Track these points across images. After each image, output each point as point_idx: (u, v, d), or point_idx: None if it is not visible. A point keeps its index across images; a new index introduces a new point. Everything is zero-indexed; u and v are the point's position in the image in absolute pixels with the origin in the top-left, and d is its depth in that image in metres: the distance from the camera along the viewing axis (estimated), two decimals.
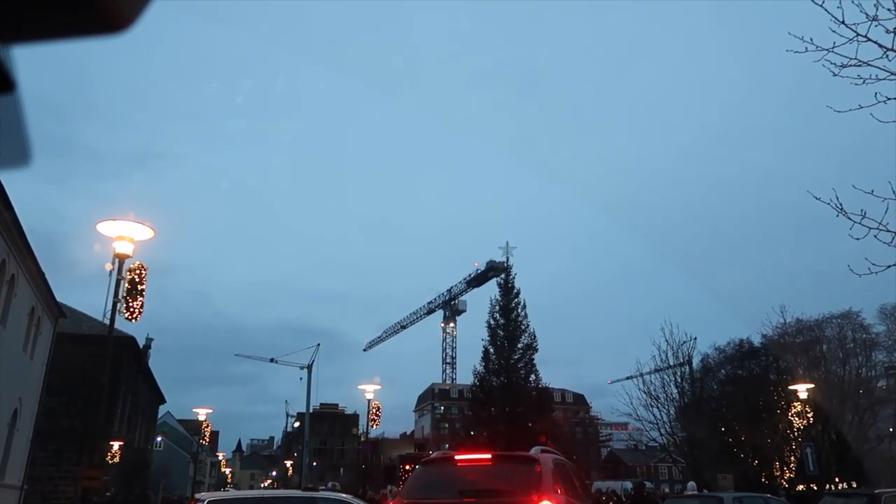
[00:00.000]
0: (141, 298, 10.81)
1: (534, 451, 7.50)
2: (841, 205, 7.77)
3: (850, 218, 7.68)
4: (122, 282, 10.48)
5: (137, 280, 10.76)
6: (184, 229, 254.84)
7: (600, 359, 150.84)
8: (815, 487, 26.58)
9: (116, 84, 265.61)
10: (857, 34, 6.92)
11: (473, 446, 8.99)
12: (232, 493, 14.35)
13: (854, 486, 27.70)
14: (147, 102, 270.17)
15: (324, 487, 13.47)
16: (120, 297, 10.43)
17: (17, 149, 1.15)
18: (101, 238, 10.22)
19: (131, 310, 10.71)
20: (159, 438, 61.73)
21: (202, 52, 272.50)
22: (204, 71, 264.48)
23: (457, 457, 7.44)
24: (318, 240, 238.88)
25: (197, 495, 12.04)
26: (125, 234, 10.26)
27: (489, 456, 7.39)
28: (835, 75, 7.65)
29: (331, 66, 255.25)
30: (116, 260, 10.21)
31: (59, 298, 27.87)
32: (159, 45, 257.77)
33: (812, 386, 23.90)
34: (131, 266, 10.86)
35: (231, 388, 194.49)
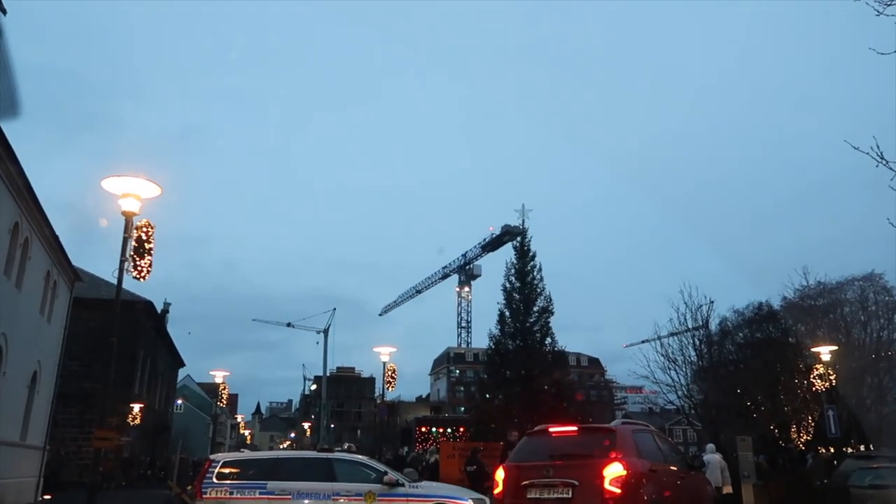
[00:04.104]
0: (149, 257, 10.53)
1: (614, 423, 9.63)
2: (882, 153, 7.29)
3: (891, 168, 7.22)
4: (129, 240, 10.26)
5: (145, 238, 10.50)
6: (216, 200, 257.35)
7: (616, 325, 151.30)
8: (833, 450, 26.35)
9: (151, 61, 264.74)
10: None
11: (558, 422, 11.42)
12: (247, 453, 14.43)
13: (871, 448, 27.46)
14: (181, 80, 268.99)
15: (339, 449, 13.55)
16: (127, 255, 10.22)
17: (5, 99, 1.03)
18: (107, 195, 10.01)
19: (139, 268, 10.46)
20: (179, 401, 62.81)
21: (214, 9, 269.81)
22: (215, 28, 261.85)
23: (550, 429, 9.13)
24: (345, 208, 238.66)
25: (211, 456, 12.07)
26: (131, 191, 10.01)
27: (575, 428, 9.36)
28: (878, 14, 7.13)
29: (348, 29, 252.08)
30: (123, 217, 10.02)
31: (89, 268, 28.16)
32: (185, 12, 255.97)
33: (836, 348, 23.48)
34: (138, 224, 10.60)
35: (256, 354, 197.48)
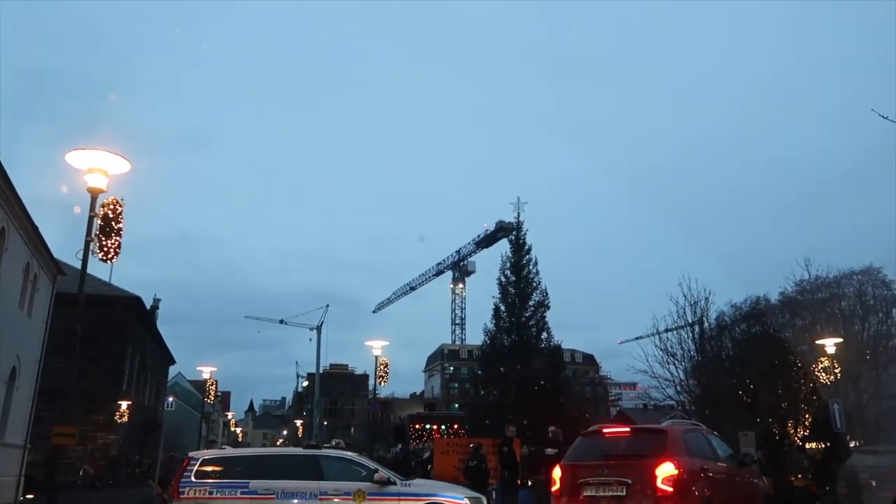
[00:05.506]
0: (117, 238, 9.84)
1: (665, 423, 9.98)
2: None
3: None
4: (95, 219, 9.54)
5: (112, 216, 9.80)
6: (214, 200, 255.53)
7: (611, 323, 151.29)
8: (829, 445, 25.96)
9: (151, 60, 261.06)
10: None
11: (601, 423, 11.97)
12: (228, 450, 13.80)
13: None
14: (181, 80, 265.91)
15: (328, 445, 13.02)
16: (92, 235, 9.50)
17: None
18: (72, 170, 9.29)
19: (105, 249, 9.74)
20: (170, 399, 61.90)
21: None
22: (216, 27, 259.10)
23: (604, 430, 9.65)
24: (342, 207, 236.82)
25: (191, 453, 11.41)
26: (97, 166, 9.30)
27: (628, 429, 9.78)
28: None
29: (348, 29, 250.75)
30: (89, 194, 9.30)
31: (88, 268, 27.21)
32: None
33: (840, 340, 23.02)
34: (105, 201, 9.89)
35: (252, 352, 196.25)
